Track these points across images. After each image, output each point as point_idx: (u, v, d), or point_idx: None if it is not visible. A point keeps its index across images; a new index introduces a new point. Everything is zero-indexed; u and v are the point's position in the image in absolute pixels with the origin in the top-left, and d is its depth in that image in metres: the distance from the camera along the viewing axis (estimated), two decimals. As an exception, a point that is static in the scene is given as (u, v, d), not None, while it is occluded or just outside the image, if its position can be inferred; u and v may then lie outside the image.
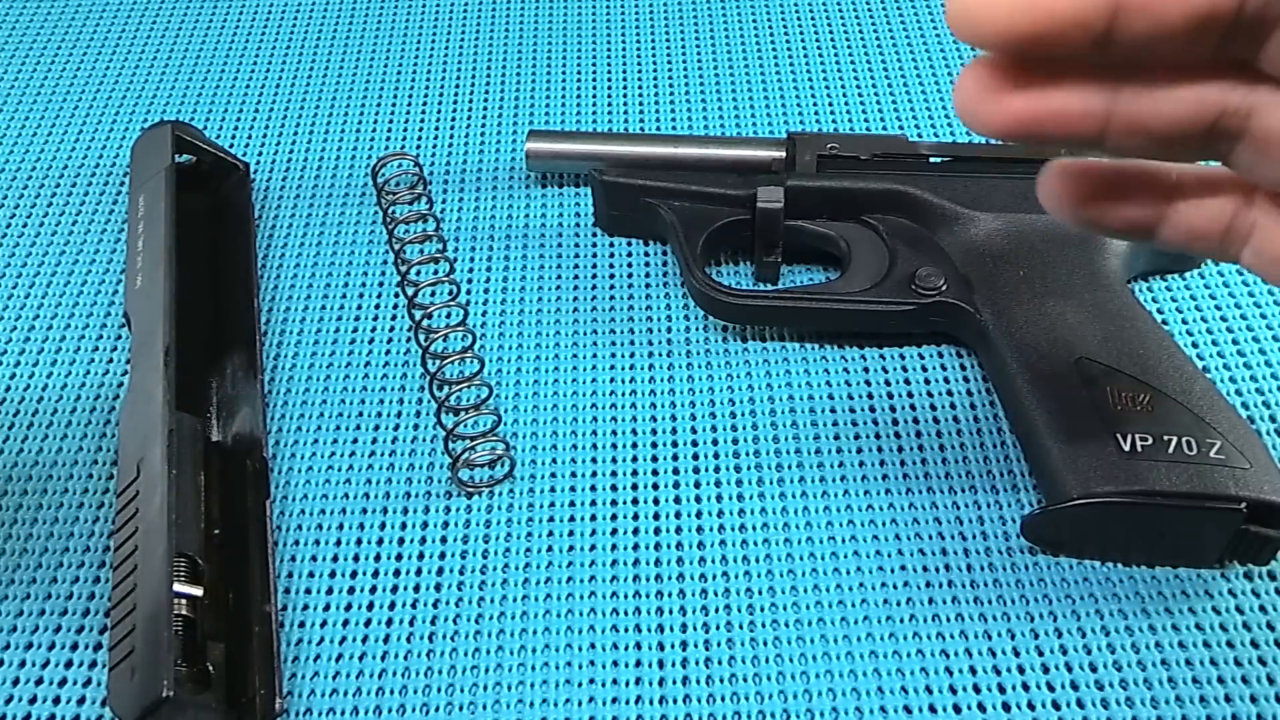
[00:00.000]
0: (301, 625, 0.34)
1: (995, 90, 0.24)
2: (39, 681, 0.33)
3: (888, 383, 0.39)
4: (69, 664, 0.33)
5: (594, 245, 0.44)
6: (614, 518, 0.36)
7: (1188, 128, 0.24)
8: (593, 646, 0.33)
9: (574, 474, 0.37)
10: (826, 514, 0.36)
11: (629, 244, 0.44)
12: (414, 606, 0.34)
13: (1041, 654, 0.32)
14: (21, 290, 0.44)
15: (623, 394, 0.39)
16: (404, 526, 0.36)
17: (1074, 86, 0.24)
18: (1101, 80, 0.24)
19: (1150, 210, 0.26)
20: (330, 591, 0.35)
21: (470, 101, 0.51)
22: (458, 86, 0.52)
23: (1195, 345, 0.40)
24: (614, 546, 0.35)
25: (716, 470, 0.37)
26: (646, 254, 0.44)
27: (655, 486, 0.37)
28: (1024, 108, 0.24)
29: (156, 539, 0.32)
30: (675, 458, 0.38)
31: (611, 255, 0.44)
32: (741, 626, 0.33)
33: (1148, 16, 0.22)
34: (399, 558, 0.35)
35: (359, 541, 0.36)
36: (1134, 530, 0.33)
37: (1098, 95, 0.24)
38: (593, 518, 0.36)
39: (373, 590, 0.35)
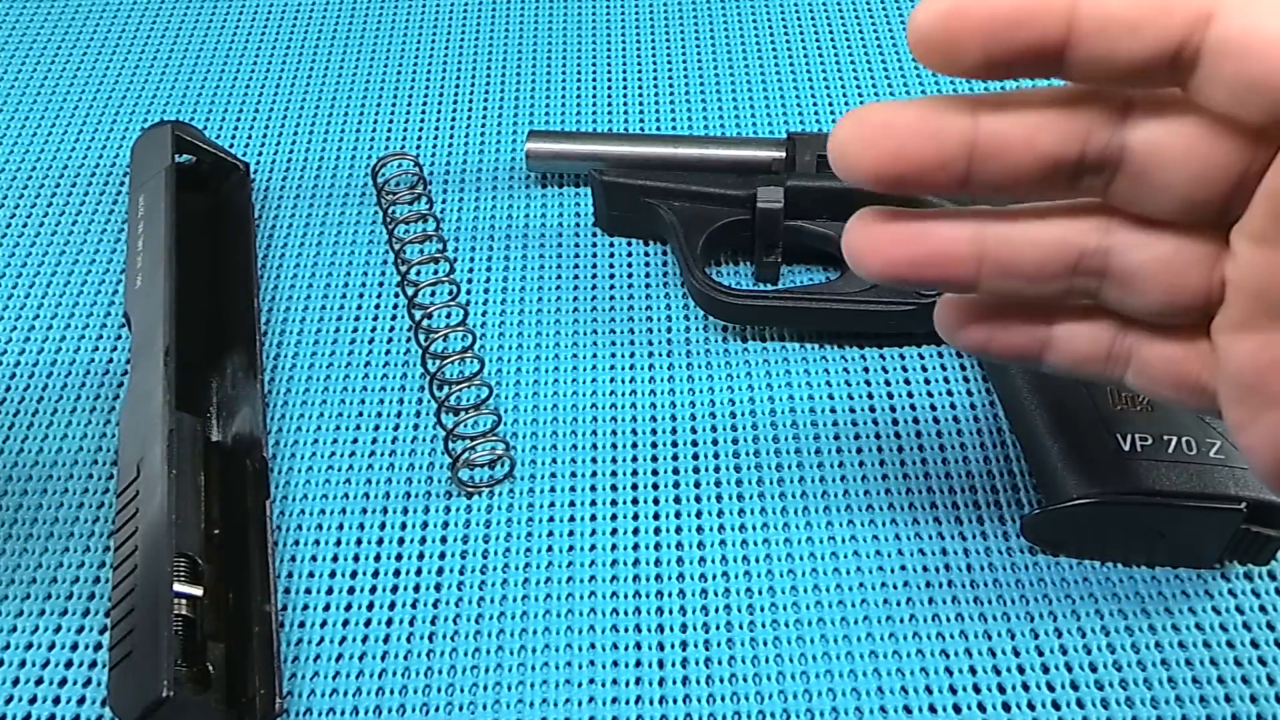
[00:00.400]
0: (301, 625, 0.34)
1: (877, 238, 0.26)
2: (39, 681, 0.33)
3: (888, 383, 0.39)
4: (69, 664, 0.33)
5: (594, 245, 0.44)
6: (614, 518, 0.36)
7: (1053, 269, 0.26)
8: (593, 646, 0.33)
9: (574, 474, 0.37)
10: (827, 514, 0.36)
11: (629, 244, 0.44)
12: (414, 606, 0.34)
13: (1041, 654, 0.32)
14: (21, 290, 0.44)
15: (623, 394, 0.39)
16: (404, 526, 0.36)
17: (945, 236, 0.26)
18: (970, 226, 0.26)
19: (1033, 339, 0.28)
20: (330, 591, 0.35)
21: (470, 101, 0.51)
22: (458, 86, 0.52)
23: (1195, 345, 0.40)
24: (614, 546, 0.35)
25: (716, 470, 0.37)
26: (646, 254, 0.44)
27: (655, 486, 0.37)
28: (901, 254, 0.26)
29: (156, 539, 0.32)
30: (675, 458, 0.38)
31: (611, 255, 0.44)
32: (741, 626, 0.33)
33: (1000, 160, 0.24)
34: (399, 558, 0.35)
35: (359, 541, 0.36)
36: (1134, 530, 0.33)
37: (967, 244, 0.26)
38: (593, 518, 0.36)
39: (373, 590, 0.35)
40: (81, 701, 0.32)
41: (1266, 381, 0.24)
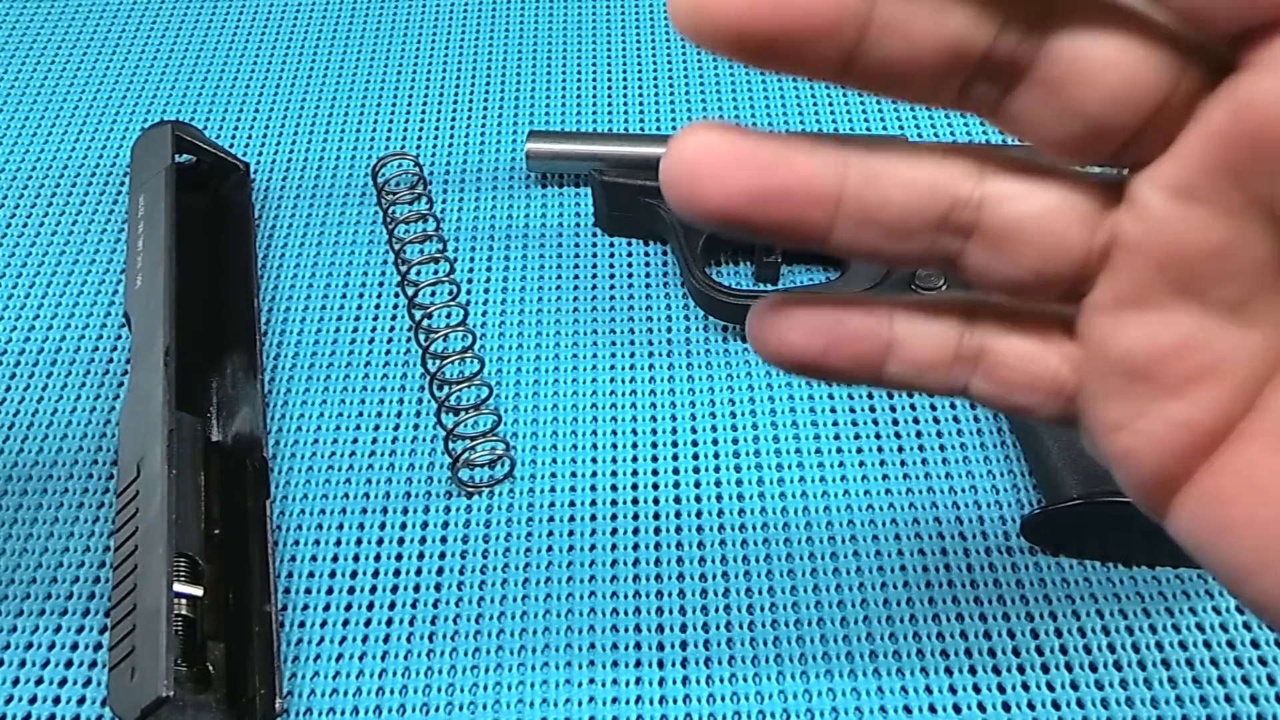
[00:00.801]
0: (301, 625, 0.34)
1: (724, 163, 0.21)
2: (39, 681, 0.33)
3: (888, 383, 0.39)
4: (69, 664, 0.33)
5: (594, 245, 0.44)
6: (614, 518, 0.36)
7: (920, 219, 0.21)
8: (593, 646, 0.33)
9: (574, 474, 0.37)
10: (826, 513, 0.36)
11: (629, 244, 0.44)
12: (414, 606, 0.34)
13: (1041, 654, 0.32)
14: (21, 290, 0.44)
15: (623, 394, 0.39)
16: (404, 526, 0.36)
17: (802, 166, 0.21)
18: (832, 156, 0.21)
19: (875, 343, 0.23)
20: (330, 591, 0.35)
21: (470, 101, 0.51)
22: (458, 86, 0.52)
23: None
24: (614, 546, 0.35)
25: (716, 470, 0.37)
26: (646, 254, 0.44)
27: (655, 486, 0.37)
28: (752, 181, 0.21)
29: (156, 539, 0.32)
30: (675, 458, 0.38)
31: (611, 255, 0.44)
32: (741, 626, 0.33)
33: (899, 36, 0.19)
34: (399, 558, 0.35)
35: (359, 541, 0.36)
36: (1134, 530, 0.33)
37: (826, 178, 0.21)
38: (593, 518, 0.36)
39: (373, 590, 0.35)
40: (81, 701, 0.32)
41: (1154, 369, 0.21)
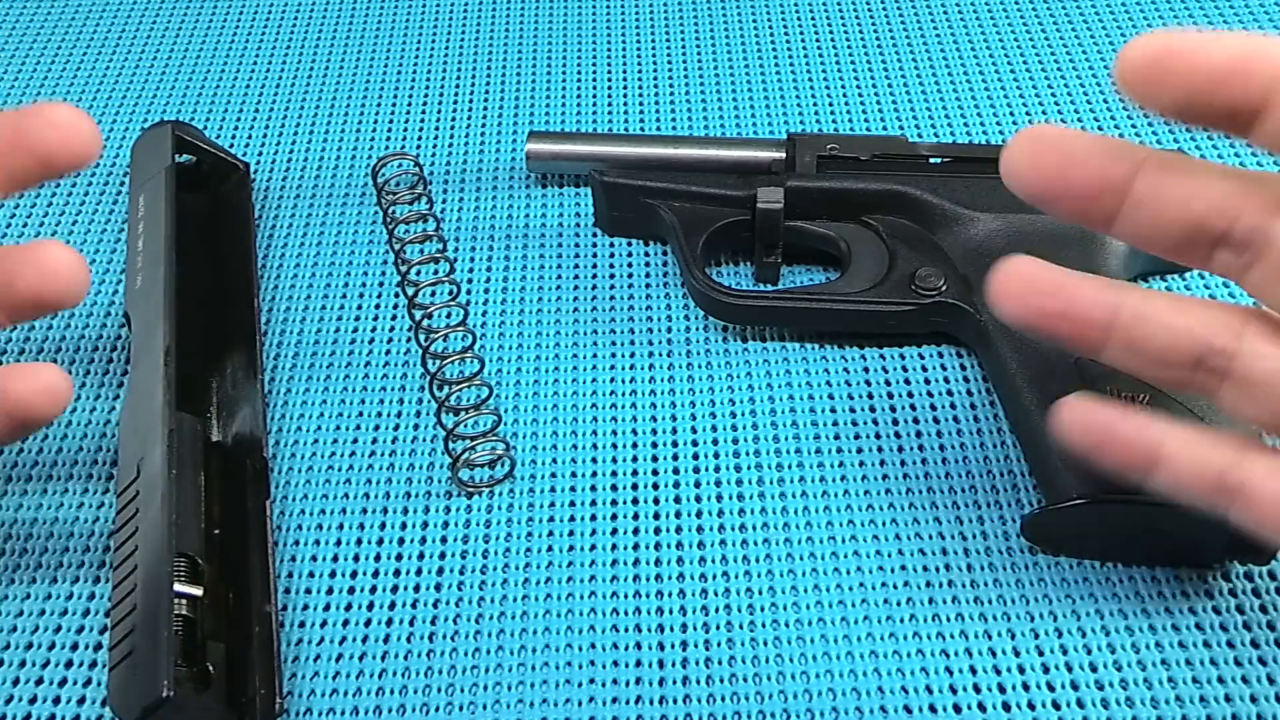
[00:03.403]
0: (301, 625, 0.34)
1: (1019, 283, 0.27)
2: (39, 681, 0.33)
3: (888, 383, 0.39)
4: (69, 664, 0.33)
5: (594, 245, 0.44)
6: (614, 518, 0.36)
7: (1178, 357, 0.27)
8: (593, 646, 0.33)
9: (574, 474, 0.37)
10: (826, 514, 0.36)
11: (629, 244, 0.44)
12: (414, 606, 0.34)
13: (1041, 654, 0.32)
14: (21, 290, 0.44)
15: (623, 394, 0.39)
16: (404, 526, 0.36)
17: (1083, 297, 0.27)
18: (1109, 294, 0.27)
19: (1144, 452, 0.28)
20: (330, 591, 0.35)
21: (470, 101, 0.51)
22: (458, 86, 0.52)
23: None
24: (614, 546, 0.35)
25: (716, 470, 0.37)
26: (646, 254, 0.44)
27: (655, 486, 0.37)
28: (1038, 304, 0.27)
29: (156, 539, 0.32)
30: (675, 458, 0.38)
31: (611, 255, 0.44)
32: (741, 626, 0.33)
33: (1151, 209, 0.25)
34: (399, 558, 0.35)
35: (359, 541, 0.36)
36: (1134, 530, 0.33)
37: (1103, 309, 0.27)
38: (593, 518, 0.36)
39: (373, 590, 0.35)
40: (81, 701, 0.32)
41: None
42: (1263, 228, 0.24)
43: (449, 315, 0.42)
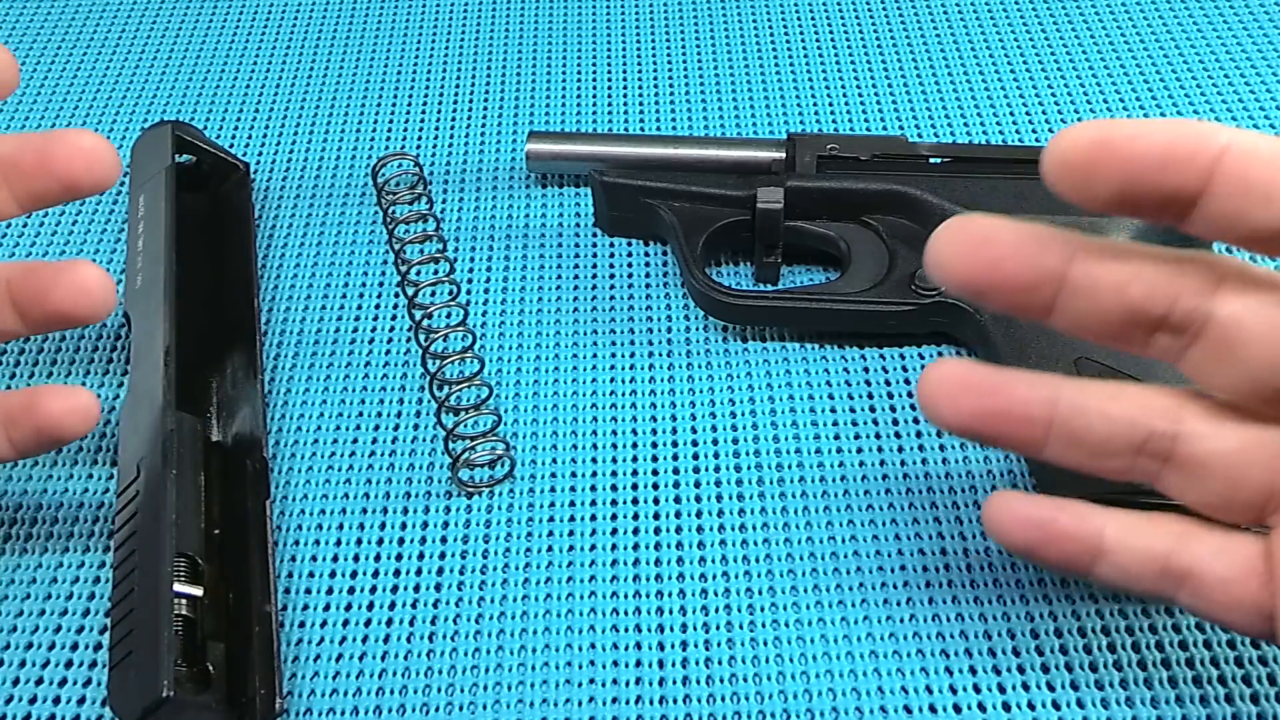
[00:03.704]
0: (301, 625, 0.34)
1: (952, 386, 0.26)
2: (39, 681, 0.33)
3: (888, 383, 0.39)
4: (69, 664, 0.33)
5: (594, 245, 0.44)
6: (614, 518, 0.36)
7: (1119, 445, 0.26)
8: (593, 646, 0.33)
9: (574, 474, 0.37)
10: (826, 514, 0.36)
11: (629, 244, 0.44)
12: (414, 606, 0.34)
13: (1041, 654, 0.32)
14: (21, 290, 0.44)
15: (623, 394, 0.39)
16: (404, 526, 0.36)
17: (1020, 396, 0.26)
18: (1045, 388, 0.26)
19: (1086, 546, 0.27)
20: (330, 591, 0.35)
21: (470, 101, 0.51)
22: (458, 86, 0.52)
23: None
24: (614, 546, 0.35)
25: (716, 470, 0.37)
26: (646, 254, 0.44)
27: (655, 486, 0.37)
28: (974, 406, 0.26)
29: (156, 539, 0.32)
30: (675, 458, 0.38)
31: (611, 255, 0.44)
32: (741, 626, 0.33)
33: (1087, 299, 0.24)
34: (399, 558, 0.35)
35: (359, 541, 0.36)
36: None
37: (1040, 405, 0.26)
38: (593, 518, 0.36)
39: (373, 590, 0.35)
40: (81, 701, 0.32)
41: None
42: (1201, 308, 0.24)
43: (449, 315, 0.42)
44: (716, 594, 0.34)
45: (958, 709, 0.32)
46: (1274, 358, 0.23)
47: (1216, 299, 0.24)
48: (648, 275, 0.43)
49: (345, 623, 0.34)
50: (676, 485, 0.37)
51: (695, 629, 0.33)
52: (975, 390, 0.26)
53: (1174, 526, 0.26)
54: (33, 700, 0.32)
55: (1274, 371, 0.23)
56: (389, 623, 0.34)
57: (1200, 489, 0.25)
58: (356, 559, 0.35)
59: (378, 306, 0.43)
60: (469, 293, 0.43)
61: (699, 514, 0.36)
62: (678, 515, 0.36)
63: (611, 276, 0.43)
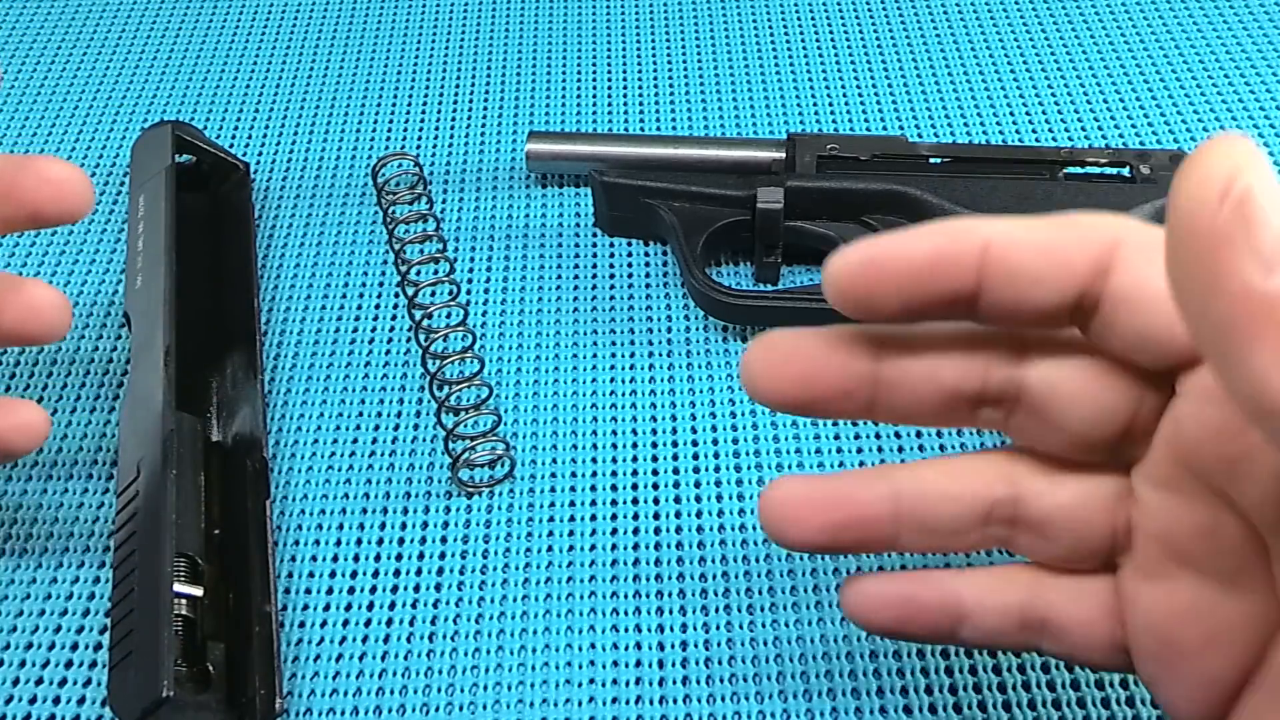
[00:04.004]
0: (301, 625, 0.34)
1: (795, 506, 0.26)
2: (39, 681, 0.33)
3: (888, 383, 0.39)
4: (69, 664, 0.33)
5: (594, 245, 0.44)
6: (614, 518, 0.36)
7: (967, 521, 0.26)
8: (593, 646, 0.33)
9: (574, 474, 0.37)
10: (826, 514, 0.36)
11: (629, 244, 0.44)
12: (414, 606, 0.34)
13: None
14: (21, 290, 0.44)
15: (623, 394, 0.39)
16: (404, 526, 0.36)
17: (861, 499, 0.26)
18: (883, 485, 0.26)
19: (946, 614, 0.27)
20: (330, 591, 0.35)
21: (470, 101, 0.51)
22: (458, 86, 0.52)
23: (1195, 345, 0.40)
24: (614, 546, 0.35)
25: (716, 470, 0.37)
26: (646, 254, 0.44)
27: (655, 486, 0.37)
28: (821, 521, 0.26)
29: (156, 539, 0.32)
30: (675, 458, 0.38)
31: (611, 255, 0.44)
32: (742, 627, 0.33)
33: (903, 391, 0.25)
34: (399, 558, 0.35)
35: (359, 541, 0.36)
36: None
37: (883, 503, 0.26)
38: (593, 518, 0.36)
39: (373, 590, 0.35)
40: (81, 701, 0.32)
41: (1176, 632, 0.24)
42: (1013, 378, 0.24)
43: (449, 315, 0.42)
44: (716, 594, 0.34)
45: (958, 709, 0.32)
46: (1089, 414, 0.24)
47: (1025, 367, 0.24)
48: (648, 275, 0.43)
49: (345, 623, 0.34)
50: (676, 485, 0.37)
51: (695, 629, 0.33)
52: (818, 505, 0.26)
53: (1025, 577, 0.26)
54: (33, 700, 0.32)
55: (1092, 425, 0.24)
56: (389, 623, 0.34)
57: (1049, 546, 0.26)
58: (356, 559, 0.35)
59: (378, 306, 0.43)
60: (469, 293, 0.43)
61: (699, 514, 0.36)
62: (678, 515, 0.36)
63: (611, 276, 0.43)
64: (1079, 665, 0.27)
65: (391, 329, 0.42)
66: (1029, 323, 0.23)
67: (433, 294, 0.42)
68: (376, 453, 0.38)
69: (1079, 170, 0.42)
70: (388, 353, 0.41)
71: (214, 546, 0.34)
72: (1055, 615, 0.26)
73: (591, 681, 0.32)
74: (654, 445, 0.38)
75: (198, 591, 0.32)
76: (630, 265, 0.44)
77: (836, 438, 0.38)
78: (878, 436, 0.38)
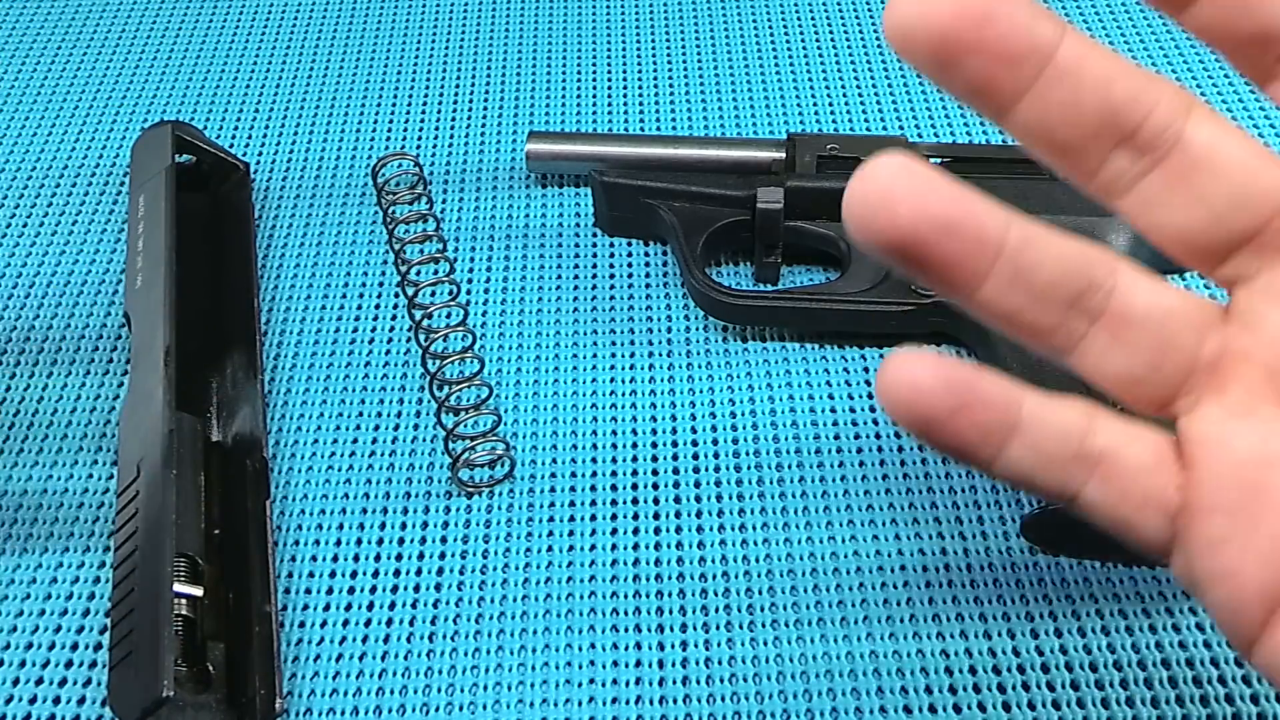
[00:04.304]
0: (301, 625, 0.34)
1: (898, 189, 0.22)
2: (39, 681, 0.33)
3: (888, 383, 0.39)
4: (69, 664, 0.33)
5: (594, 245, 0.44)
6: (614, 518, 0.36)
7: (1062, 291, 0.23)
8: (593, 646, 0.33)
9: (574, 474, 0.37)
10: (827, 514, 0.36)
11: (629, 244, 0.44)
12: (414, 606, 0.34)
13: (1041, 654, 0.32)
14: (21, 290, 0.44)
15: (623, 394, 0.39)
16: (404, 526, 0.36)
17: (976, 208, 0.23)
18: (1002, 214, 0.23)
19: (1004, 417, 0.24)
20: (330, 591, 0.35)
21: (470, 101, 0.51)
22: (458, 86, 0.52)
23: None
24: (614, 546, 0.35)
25: (716, 470, 0.37)
26: (646, 254, 0.44)
27: (655, 486, 0.37)
28: (939, 208, 0.22)
29: (156, 539, 0.32)
30: (675, 458, 0.38)
31: (611, 255, 0.44)
32: (741, 626, 0.33)
33: (1070, 86, 0.22)
34: (399, 558, 0.35)
35: (359, 541, 0.36)
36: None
37: (997, 222, 0.23)
38: (593, 518, 0.36)
39: (373, 590, 0.35)
40: (81, 701, 0.32)
41: (1267, 477, 0.22)
42: (1174, 126, 0.22)
43: (449, 315, 0.42)
44: (716, 594, 0.34)
45: (958, 709, 0.32)
46: (1237, 194, 0.22)
47: (1191, 121, 0.22)
48: (648, 275, 0.43)
49: (345, 623, 0.34)
50: (676, 485, 0.37)
51: (695, 629, 0.33)
52: (940, 193, 0.23)
53: (1084, 405, 0.24)
54: (33, 700, 0.32)
55: (1234, 208, 0.22)
56: (389, 623, 0.34)
57: (1127, 354, 0.23)
58: (356, 559, 0.35)
59: (378, 306, 0.43)
60: (469, 293, 0.43)
61: (699, 514, 0.36)
62: (678, 515, 0.36)
63: (611, 276, 0.43)
64: (1111, 527, 0.24)
65: (391, 329, 0.42)
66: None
67: (433, 294, 0.42)
68: (376, 453, 0.38)
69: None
70: (388, 353, 0.41)
71: (214, 546, 0.34)
72: (1114, 453, 0.23)
73: (591, 681, 0.32)
74: (654, 445, 0.38)
75: (198, 591, 0.32)
76: (630, 265, 0.44)
77: (837, 438, 0.38)
78: (878, 437, 0.38)
